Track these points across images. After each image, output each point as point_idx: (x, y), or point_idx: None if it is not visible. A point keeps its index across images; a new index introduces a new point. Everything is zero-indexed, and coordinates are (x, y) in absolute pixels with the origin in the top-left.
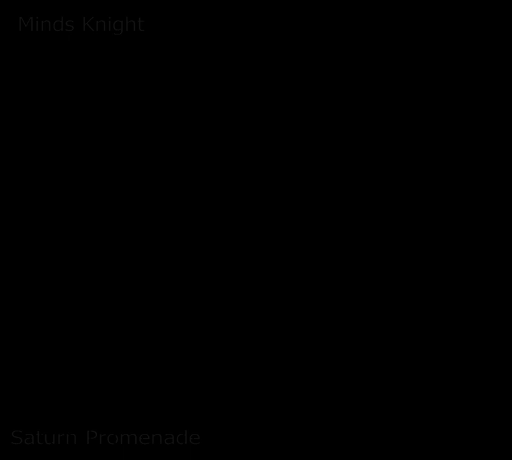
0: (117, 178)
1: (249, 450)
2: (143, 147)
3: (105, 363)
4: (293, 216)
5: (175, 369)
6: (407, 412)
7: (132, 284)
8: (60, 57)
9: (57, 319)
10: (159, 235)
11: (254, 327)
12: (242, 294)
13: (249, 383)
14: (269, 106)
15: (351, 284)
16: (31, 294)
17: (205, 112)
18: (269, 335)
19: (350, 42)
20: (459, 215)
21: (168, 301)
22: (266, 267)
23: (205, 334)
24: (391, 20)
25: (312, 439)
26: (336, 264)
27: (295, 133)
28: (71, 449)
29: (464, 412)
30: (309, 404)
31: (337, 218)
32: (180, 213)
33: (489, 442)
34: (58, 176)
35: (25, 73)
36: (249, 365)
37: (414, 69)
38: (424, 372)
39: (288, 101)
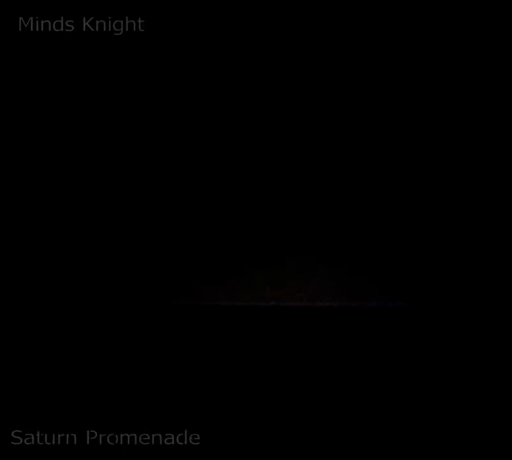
0: (117, 177)
1: (249, 450)
2: (143, 146)
3: (104, 363)
4: (293, 215)
5: (175, 369)
6: (407, 411)
7: (131, 284)
8: (60, 57)
9: (57, 318)
10: (158, 234)
11: (253, 327)
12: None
13: (249, 383)
14: (269, 106)
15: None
16: (31, 294)
17: (204, 112)
18: (268, 335)
19: (350, 42)
20: (459, 215)
21: (167, 301)
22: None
23: (205, 334)
24: (391, 20)
25: (312, 439)
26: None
27: (295, 133)
28: (71, 449)
29: (464, 412)
30: (308, 404)
31: (337, 216)
32: (180, 211)
33: (489, 442)
34: (58, 175)
35: (25, 73)
36: (248, 365)
37: (414, 69)
38: (423, 372)
39: (287, 101)
